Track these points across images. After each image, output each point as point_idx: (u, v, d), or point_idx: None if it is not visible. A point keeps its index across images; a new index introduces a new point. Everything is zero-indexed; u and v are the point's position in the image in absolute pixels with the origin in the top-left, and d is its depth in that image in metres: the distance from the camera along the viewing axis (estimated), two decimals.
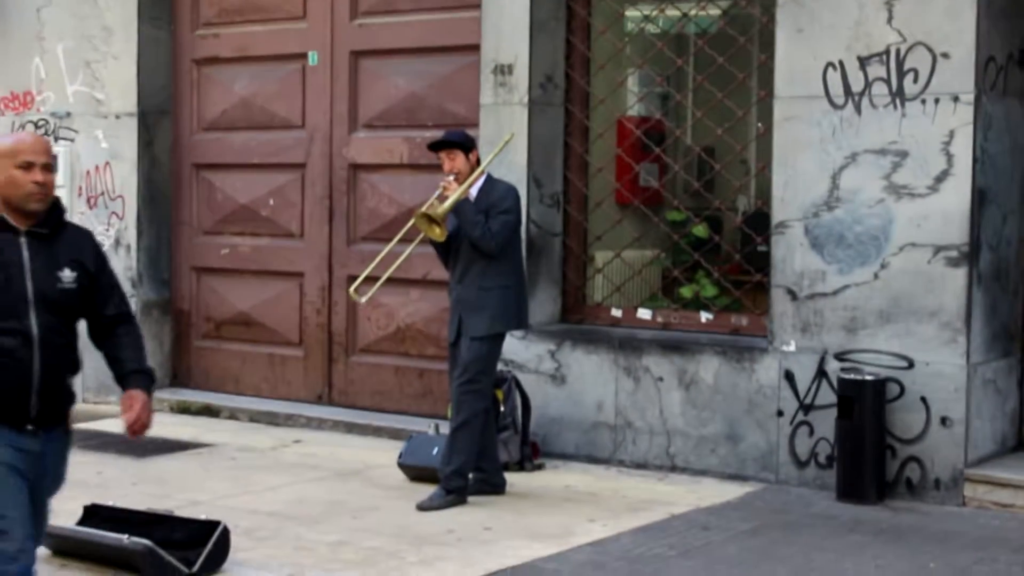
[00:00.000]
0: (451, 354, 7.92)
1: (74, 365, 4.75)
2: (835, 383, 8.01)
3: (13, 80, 11.62)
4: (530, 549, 6.82)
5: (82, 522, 6.67)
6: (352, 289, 8.58)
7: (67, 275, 4.65)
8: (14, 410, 4.58)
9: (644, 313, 9.21)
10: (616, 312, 9.31)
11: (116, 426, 10.10)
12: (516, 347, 9.02)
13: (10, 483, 4.59)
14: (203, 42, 11.11)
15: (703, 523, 7.39)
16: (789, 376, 8.25)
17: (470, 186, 7.69)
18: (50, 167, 4.61)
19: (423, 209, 7.65)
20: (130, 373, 4.83)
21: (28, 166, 4.55)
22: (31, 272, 4.57)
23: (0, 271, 4.53)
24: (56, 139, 11.33)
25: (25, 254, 4.58)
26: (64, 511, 6.99)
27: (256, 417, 10.37)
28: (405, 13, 10.07)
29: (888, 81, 7.92)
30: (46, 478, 4.74)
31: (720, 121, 9.02)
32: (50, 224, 4.67)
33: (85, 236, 4.81)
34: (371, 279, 8.46)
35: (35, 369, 4.56)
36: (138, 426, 4.76)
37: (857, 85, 8.01)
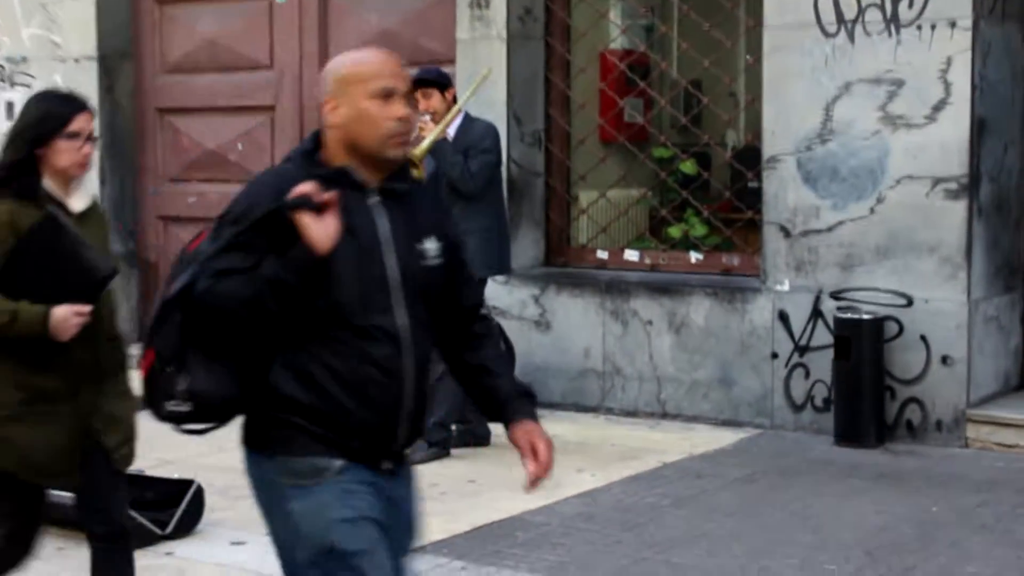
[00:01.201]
0: None
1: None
2: (831, 323, 8.01)
3: None
4: (517, 502, 6.82)
5: None
6: None
7: (431, 247, 3.48)
8: (377, 443, 3.41)
9: (631, 254, 9.20)
10: (602, 254, 9.30)
11: None
12: (498, 292, 9.01)
13: (381, 552, 3.40)
14: None
15: (696, 471, 7.41)
16: (783, 317, 8.26)
17: (447, 126, 7.65)
18: (412, 98, 3.53)
19: None
20: (514, 397, 3.64)
21: (387, 95, 3.41)
22: (392, 245, 3.40)
23: (351, 243, 3.32)
24: (12, 85, 11.25)
25: (381, 220, 3.40)
26: None
27: None
28: None
29: (882, 7, 7.88)
30: (403, 532, 3.56)
31: (707, 52, 8.98)
32: (405, 177, 3.51)
33: (434, 193, 3.64)
34: None
35: (407, 385, 3.40)
36: (546, 474, 3.59)
37: (850, 12, 7.97)
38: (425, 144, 7.55)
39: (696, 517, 6.55)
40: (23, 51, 11.22)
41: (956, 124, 7.72)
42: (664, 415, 8.64)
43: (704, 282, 8.68)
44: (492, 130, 7.79)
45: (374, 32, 10.00)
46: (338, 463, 3.35)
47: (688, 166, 9.38)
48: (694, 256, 9.00)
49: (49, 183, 4.45)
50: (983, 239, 7.92)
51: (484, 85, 8.31)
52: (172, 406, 3.34)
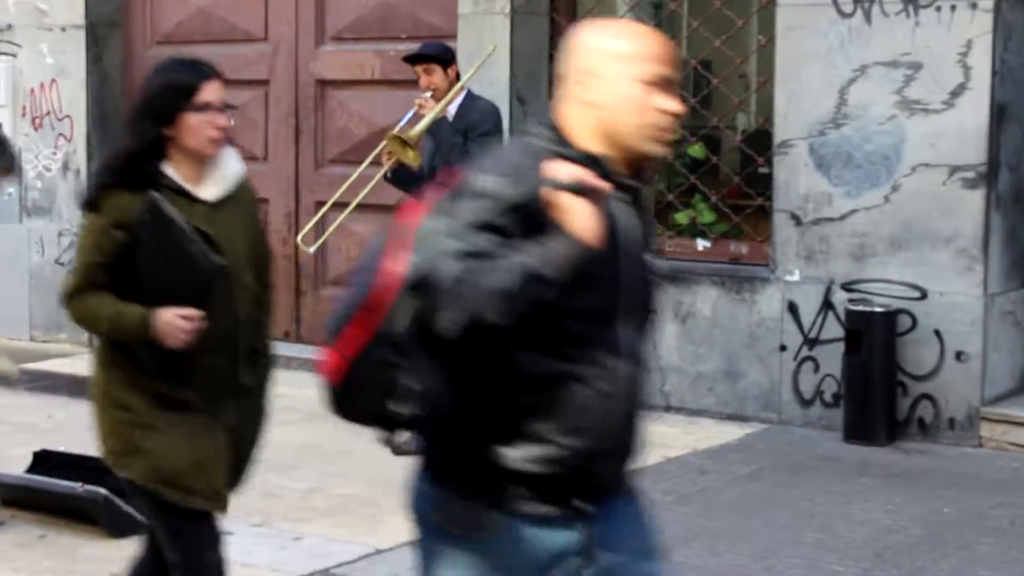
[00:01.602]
0: None
1: None
2: (842, 315, 7.99)
3: None
4: None
5: (32, 469, 6.65)
6: (299, 238, 8.55)
7: (654, 263, 3.15)
8: (573, 479, 2.99)
9: None
10: None
11: (66, 366, 10.11)
12: None
13: None
14: None
15: (700, 467, 7.40)
16: (792, 308, 8.24)
17: (448, 104, 7.62)
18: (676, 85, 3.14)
19: (395, 131, 7.59)
20: None
21: (664, 84, 3.03)
22: (632, 252, 3.04)
23: (610, 246, 2.92)
24: None
25: (624, 222, 3.01)
26: (12, 457, 6.99)
27: None
28: None
29: None
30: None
31: (718, 31, 8.95)
32: (647, 178, 3.14)
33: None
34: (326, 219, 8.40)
35: (620, 414, 3.02)
36: None
37: None
38: (423, 123, 7.54)
39: (699, 514, 6.54)
40: (8, 18, 11.17)
41: (975, 110, 7.70)
42: (668, 408, 8.61)
43: (711, 271, 8.66)
44: (494, 110, 7.75)
45: (373, 5, 9.98)
46: (503, 519, 2.96)
47: (696, 150, 9.34)
48: (701, 243, 8.97)
49: (173, 169, 4.03)
50: (1001, 231, 7.90)
51: (487, 62, 8.29)
52: (396, 406, 2.87)
